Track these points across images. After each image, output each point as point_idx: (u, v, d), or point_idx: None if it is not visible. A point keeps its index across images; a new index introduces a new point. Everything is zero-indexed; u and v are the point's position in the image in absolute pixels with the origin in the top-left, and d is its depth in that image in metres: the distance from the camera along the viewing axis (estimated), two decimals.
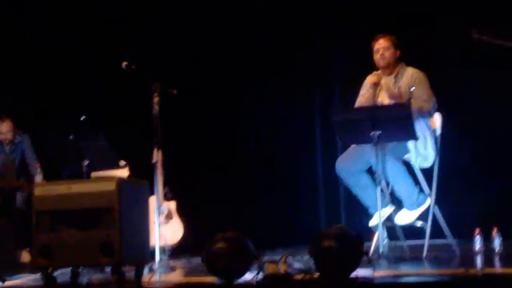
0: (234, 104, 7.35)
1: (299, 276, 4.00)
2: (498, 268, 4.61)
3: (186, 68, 7.21)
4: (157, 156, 5.54)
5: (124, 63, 5.52)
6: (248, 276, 4.14)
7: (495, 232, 5.12)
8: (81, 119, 5.87)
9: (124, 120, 7.12)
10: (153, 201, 5.42)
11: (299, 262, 4.25)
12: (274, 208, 7.21)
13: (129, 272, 4.58)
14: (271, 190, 7.28)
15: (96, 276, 4.98)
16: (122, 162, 6.08)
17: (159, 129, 5.50)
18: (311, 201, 7.38)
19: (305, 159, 7.42)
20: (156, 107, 5.50)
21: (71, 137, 5.62)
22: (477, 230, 5.17)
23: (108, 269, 4.84)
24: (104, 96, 7.29)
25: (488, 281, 3.98)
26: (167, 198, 6.18)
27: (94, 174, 5.73)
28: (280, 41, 7.28)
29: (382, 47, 5.43)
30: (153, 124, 5.51)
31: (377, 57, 5.47)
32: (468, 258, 5.03)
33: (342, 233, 4.13)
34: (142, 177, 5.14)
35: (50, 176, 5.99)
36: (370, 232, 5.34)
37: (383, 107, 5.25)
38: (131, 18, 7.39)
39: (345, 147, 5.57)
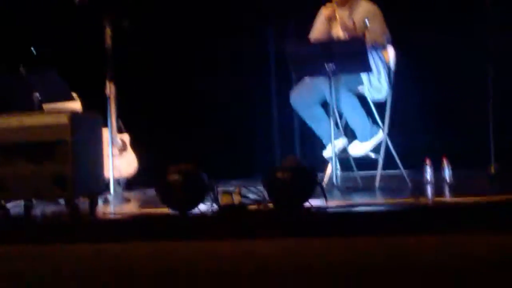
0: (187, 38, 7.27)
1: (253, 207, 4.04)
2: (447, 197, 4.71)
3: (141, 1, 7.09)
4: (110, 88, 5.49)
5: None
6: (203, 208, 4.18)
7: (445, 162, 5.21)
8: (32, 51, 5.76)
9: (77, 52, 6.99)
10: (106, 134, 5.39)
11: (253, 193, 4.29)
12: (229, 140, 7.21)
13: (84, 204, 4.59)
14: (226, 122, 7.27)
15: (50, 209, 4.97)
16: (74, 94, 6.01)
17: (111, 61, 5.43)
18: (266, 133, 7.40)
19: (260, 92, 7.41)
20: (108, 39, 5.42)
21: (20, 69, 5.52)
22: (428, 161, 5.26)
23: (62, 202, 4.82)
24: (55, 28, 7.12)
25: (438, 209, 4.09)
26: (120, 131, 6.14)
27: (46, 106, 5.65)
28: None
29: None
30: (106, 57, 5.44)
31: None
32: (419, 188, 5.12)
33: (295, 164, 4.17)
34: (95, 110, 5.08)
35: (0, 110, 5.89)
36: (324, 163, 5.41)
37: (338, 42, 5.26)
38: None
39: (299, 79, 5.59)
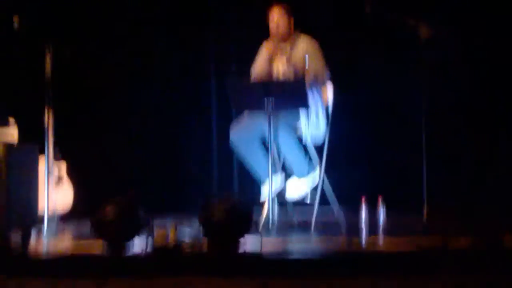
0: (130, 67, 7.24)
1: (188, 249, 4.03)
2: (381, 236, 4.78)
3: (81, 28, 7.03)
4: (47, 115, 5.43)
5: (16, 19, 5.34)
6: (137, 242, 4.15)
7: (380, 201, 5.29)
8: None
9: (14, 77, 6.88)
10: (43, 162, 5.32)
11: (189, 229, 4.28)
12: (167, 173, 7.20)
13: (17, 236, 4.51)
14: (165, 155, 7.25)
15: None
16: (11, 120, 5.92)
17: (50, 87, 5.38)
18: (204, 168, 7.39)
19: (200, 126, 7.41)
20: (48, 65, 5.37)
21: None
22: (363, 199, 5.33)
23: None
24: None
25: (372, 249, 4.16)
26: (57, 159, 6.06)
27: None
28: (176, 3, 7.21)
29: (278, 16, 5.52)
30: (45, 83, 5.38)
31: (272, 25, 5.55)
32: (354, 225, 5.18)
33: (232, 202, 4.18)
34: (32, 137, 5.03)
35: None
36: (261, 199, 5.43)
37: (278, 82, 5.33)
38: None
39: (238, 113, 5.63)
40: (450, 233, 4.11)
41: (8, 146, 4.35)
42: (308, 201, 5.36)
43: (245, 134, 5.40)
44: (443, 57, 6.24)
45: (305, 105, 5.21)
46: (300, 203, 5.61)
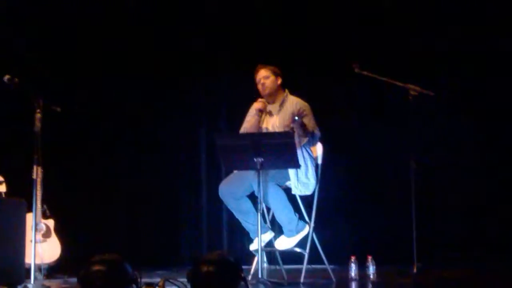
0: (117, 124, 7.29)
1: None
2: None
3: (70, 85, 7.10)
4: (36, 173, 5.42)
5: (7, 77, 5.37)
6: None
7: (369, 260, 5.29)
8: None
9: (3, 134, 6.90)
10: (30, 218, 5.29)
11: (177, 286, 4.24)
12: (155, 229, 7.18)
13: None
14: (154, 210, 7.24)
15: None
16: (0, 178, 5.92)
17: (39, 145, 5.37)
18: (193, 224, 7.38)
19: (189, 183, 7.42)
20: (38, 123, 5.38)
21: None
22: (353, 258, 5.32)
23: None
24: None
25: None
26: (45, 216, 6.03)
27: None
28: (166, 63, 7.30)
29: (263, 77, 5.57)
30: (34, 140, 5.38)
31: (259, 87, 5.60)
32: (343, 285, 5.15)
33: (220, 258, 4.15)
34: (21, 193, 5.00)
35: None
36: (251, 256, 5.40)
37: (267, 134, 5.34)
38: (16, 30, 7.19)
39: (228, 172, 5.62)
40: None
41: None
42: (297, 251, 5.30)
43: (235, 190, 5.38)
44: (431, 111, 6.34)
45: (295, 165, 5.19)
46: (289, 260, 5.60)
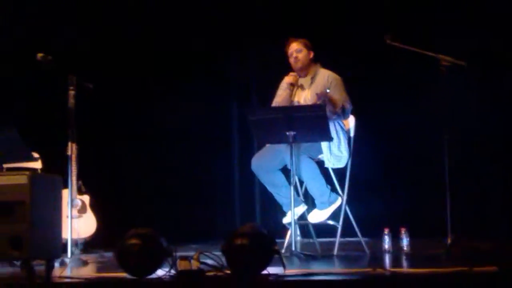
0: (152, 102, 7.32)
1: (211, 273, 4.03)
2: (405, 267, 4.73)
3: (104, 62, 7.14)
4: (71, 149, 5.48)
5: (40, 54, 5.42)
6: (160, 273, 4.15)
7: (403, 232, 5.28)
8: None
9: (38, 112, 6.98)
10: (66, 194, 5.36)
11: (211, 259, 4.27)
12: (189, 204, 7.22)
13: (41, 266, 4.52)
14: (187, 186, 7.29)
15: (6, 270, 4.89)
16: (35, 155, 5.98)
17: (73, 122, 5.43)
18: (226, 198, 7.42)
19: (222, 157, 7.45)
20: (71, 100, 5.43)
21: None
22: (386, 230, 5.32)
23: (18, 263, 4.74)
24: (17, 86, 7.12)
25: (395, 280, 4.10)
26: (80, 192, 6.11)
27: (6, 166, 5.61)
28: (197, 42, 7.30)
29: (295, 50, 5.56)
30: (68, 117, 5.44)
31: (291, 60, 5.58)
32: (377, 257, 5.16)
33: (254, 231, 4.17)
34: (56, 170, 5.05)
35: None
36: (284, 229, 5.42)
37: (299, 107, 5.33)
38: (49, 10, 7.23)
39: (261, 146, 5.63)
40: (474, 262, 4.06)
41: (32, 176, 4.37)
42: (331, 223, 5.32)
43: (268, 164, 5.40)
44: (463, 84, 6.26)
45: (327, 138, 5.19)
46: (322, 233, 5.61)
